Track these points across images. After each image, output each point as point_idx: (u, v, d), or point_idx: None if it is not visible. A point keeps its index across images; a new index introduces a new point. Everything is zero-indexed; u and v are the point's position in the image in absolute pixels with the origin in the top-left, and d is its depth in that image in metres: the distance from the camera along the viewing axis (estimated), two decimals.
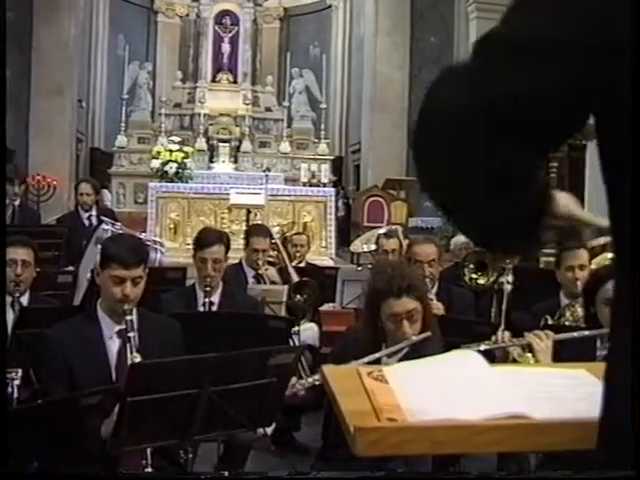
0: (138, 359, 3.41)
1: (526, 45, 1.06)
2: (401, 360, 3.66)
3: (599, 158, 1.16)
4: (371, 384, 1.67)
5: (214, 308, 5.04)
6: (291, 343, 5.08)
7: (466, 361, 1.76)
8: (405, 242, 7.15)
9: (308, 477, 3.06)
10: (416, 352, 3.63)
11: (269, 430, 5.25)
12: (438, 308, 5.05)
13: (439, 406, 1.54)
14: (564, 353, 3.78)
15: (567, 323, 4.78)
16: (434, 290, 5.31)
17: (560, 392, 1.63)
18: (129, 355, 3.47)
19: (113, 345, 3.63)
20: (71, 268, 6.79)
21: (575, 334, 3.70)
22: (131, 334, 3.51)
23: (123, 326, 3.60)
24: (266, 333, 4.52)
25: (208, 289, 5.00)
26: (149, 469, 3.26)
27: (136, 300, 3.63)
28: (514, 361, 4.05)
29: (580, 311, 4.89)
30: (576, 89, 1.06)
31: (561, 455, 1.46)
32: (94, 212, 8.25)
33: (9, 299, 4.65)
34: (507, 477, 2.19)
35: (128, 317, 3.54)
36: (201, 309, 5.03)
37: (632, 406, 1.03)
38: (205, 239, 5.16)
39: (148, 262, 6.28)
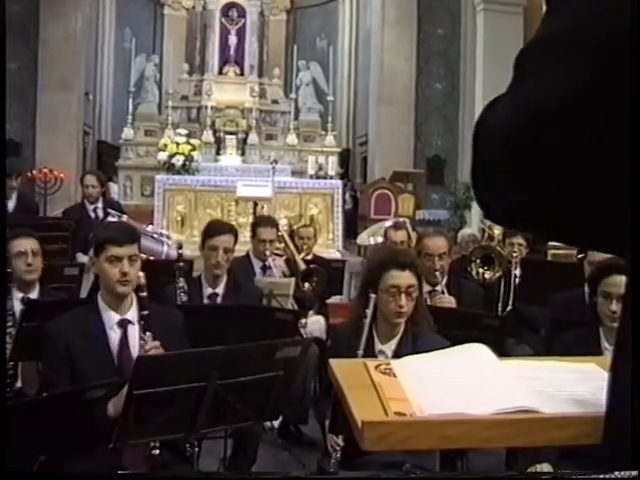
0: (151, 339, 3.48)
1: (549, 48, 1.05)
2: (399, 348, 3.70)
3: None
4: (379, 378, 1.66)
5: (218, 300, 5.07)
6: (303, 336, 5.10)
7: (475, 355, 1.74)
8: (413, 234, 7.14)
9: (327, 477, 3.06)
10: (415, 342, 3.68)
11: (276, 423, 5.27)
12: (450, 302, 5.05)
13: (448, 400, 1.52)
14: (569, 346, 3.78)
15: None
16: (444, 283, 5.29)
17: (570, 386, 1.62)
18: (143, 335, 3.54)
19: (114, 335, 3.64)
20: (80, 260, 6.81)
21: None
22: (145, 312, 3.59)
23: (124, 316, 3.64)
24: (273, 326, 4.52)
25: (217, 272, 5.05)
26: (157, 451, 3.27)
27: (134, 282, 3.65)
28: None
29: None
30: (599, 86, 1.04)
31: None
32: (100, 204, 8.22)
33: (19, 295, 4.68)
34: (513, 477, 2.17)
35: (141, 293, 3.62)
36: (206, 301, 5.06)
37: (632, 406, 1.01)
38: (216, 228, 5.26)
39: (156, 255, 6.34)
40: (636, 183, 1.02)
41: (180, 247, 5.42)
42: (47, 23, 16.06)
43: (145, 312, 3.58)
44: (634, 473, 1.01)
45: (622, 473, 1.01)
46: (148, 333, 3.53)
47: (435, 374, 1.65)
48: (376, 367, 1.71)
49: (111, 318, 3.67)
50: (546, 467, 3.51)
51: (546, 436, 1.54)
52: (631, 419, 0.99)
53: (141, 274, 3.67)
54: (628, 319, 1.11)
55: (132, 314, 3.70)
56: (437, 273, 5.21)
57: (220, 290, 5.10)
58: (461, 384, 1.59)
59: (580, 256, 5.59)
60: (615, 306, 3.74)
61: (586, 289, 5.12)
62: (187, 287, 4.99)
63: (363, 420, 1.43)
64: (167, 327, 3.68)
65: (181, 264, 5.11)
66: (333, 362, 1.77)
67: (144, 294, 3.63)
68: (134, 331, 3.67)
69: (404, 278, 3.75)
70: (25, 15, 15.43)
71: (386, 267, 3.79)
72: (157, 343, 3.53)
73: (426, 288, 5.16)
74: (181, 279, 4.94)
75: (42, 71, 16.03)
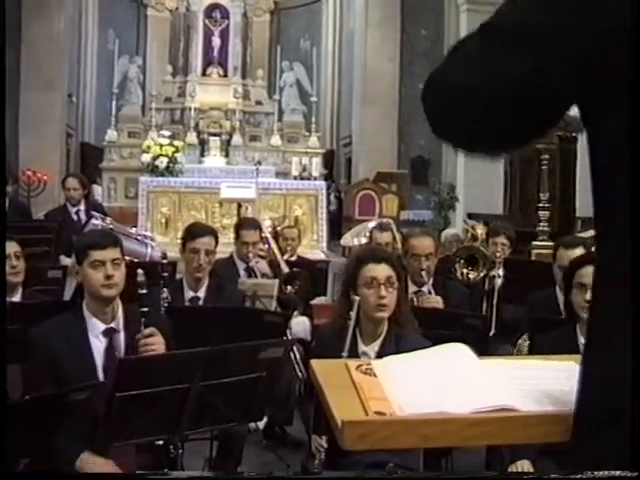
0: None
1: (525, 32, 1.08)
2: (382, 349, 3.72)
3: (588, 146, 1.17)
4: (359, 378, 1.66)
5: (200, 303, 5.07)
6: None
7: (455, 354, 1.75)
8: (398, 235, 7.14)
9: (311, 477, 3.06)
10: (398, 343, 3.69)
11: (261, 425, 5.27)
12: (437, 302, 5.05)
13: (428, 399, 1.53)
14: (546, 343, 3.80)
15: None
16: (430, 283, 5.30)
17: (549, 384, 1.63)
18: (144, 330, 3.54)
19: (99, 344, 3.62)
20: (63, 262, 6.79)
21: None
22: (144, 309, 3.57)
23: (110, 325, 3.62)
24: (261, 328, 4.52)
25: (199, 275, 5.05)
26: None
27: (120, 286, 3.63)
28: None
29: None
30: (567, 74, 1.07)
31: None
32: (82, 207, 8.25)
33: None
34: (495, 477, 2.19)
35: (141, 291, 3.60)
36: (187, 304, 5.06)
37: (632, 404, 1.02)
38: (197, 230, 5.26)
39: (140, 257, 6.33)
40: (636, 192, 1.03)
41: (165, 256, 5.39)
42: (30, 24, 16.00)
43: (145, 309, 3.58)
44: (616, 473, 1.02)
45: (602, 473, 1.02)
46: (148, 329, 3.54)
47: (415, 374, 1.66)
48: (357, 367, 1.72)
49: (96, 327, 3.64)
50: (526, 465, 3.53)
51: (525, 434, 1.55)
52: (631, 418, 1.00)
53: (140, 271, 3.66)
54: (597, 313, 1.12)
55: (118, 322, 3.68)
56: (423, 273, 5.21)
57: (202, 293, 5.10)
58: (441, 383, 1.59)
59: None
60: (590, 296, 3.75)
61: (557, 290, 5.15)
62: (170, 297, 4.98)
63: (343, 420, 1.44)
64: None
65: (165, 274, 5.09)
66: (314, 362, 1.77)
67: (144, 291, 3.61)
68: (120, 339, 3.66)
69: (382, 270, 3.80)
70: (7, 16, 15.35)
71: (363, 262, 3.85)
72: (153, 329, 3.53)
73: (412, 289, 5.18)
74: (165, 290, 4.91)
75: (25, 72, 15.97)
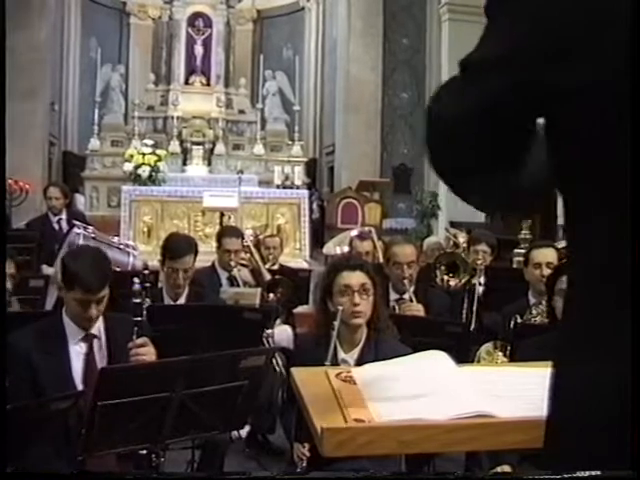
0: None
1: (484, 62, 1.11)
2: (361, 356, 3.74)
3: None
4: (339, 385, 1.68)
5: None
6: (265, 341, 5.12)
7: (434, 362, 1.77)
8: (379, 244, 7.16)
9: (298, 477, 3.06)
10: (377, 351, 3.71)
11: (243, 433, 5.27)
12: (418, 310, 5.07)
13: (406, 406, 1.55)
14: (528, 349, 3.82)
15: (537, 320, 4.80)
16: (411, 290, 5.31)
17: (527, 391, 1.64)
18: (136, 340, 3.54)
19: (79, 350, 3.61)
20: (45, 272, 6.77)
21: None
22: (138, 319, 3.58)
23: (89, 331, 3.61)
24: (242, 325, 4.55)
25: (178, 290, 5.08)
26: None
27: (100, 314, 3.63)
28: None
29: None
30: (529, 96, 1.09)
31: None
32: (64, 216, 8.24)
33: None
34: (495, 477, 2.20)
35: (135, 300, 3.60)
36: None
37: (632, 406, 1.03)
38: (176, 250, 5.19)
39: (122, 266, 6.31)
40: (635, 197, 1.04)
41: (146, 267, 5.39)
42: (12, 32, 15.92)
43: (138, 319, 3.57)
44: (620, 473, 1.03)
45: (585, 473, 1.03)
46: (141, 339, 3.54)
47: (394, 381, 1.67)
48: (337, 375, 1.73)
49: (75, 333, 3.63)
50: (506, 469, 3.55)
51: (503, 440, 1.57)
52: (631, 419, 1.01)
53: (136, 280, 3.65)
54: (570, 319, 1.14)
55: (97, 329, 3.67)
56: (405, 281, 5.23)
57: (181, 302, 5.12)
58: (419, 390, 1.61)
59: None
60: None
61: (530, 295, 5.18)
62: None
63: (322, 427, 1.46)
64: (130, 336, 3.67)
65: (148, 284, 5.07)
66: (295, 370, 1.79)
67: (138, 301, 3.60)
68: (101, 345, 3.66)
69: (356, 277, 3.83)
70: None
71: (338, 270, 3.89)
72: (145, 339, 3.53)
73: (394, 296, 5.20)
74: (147, 300, 4.91)
75: (7, 80, 15.84)
